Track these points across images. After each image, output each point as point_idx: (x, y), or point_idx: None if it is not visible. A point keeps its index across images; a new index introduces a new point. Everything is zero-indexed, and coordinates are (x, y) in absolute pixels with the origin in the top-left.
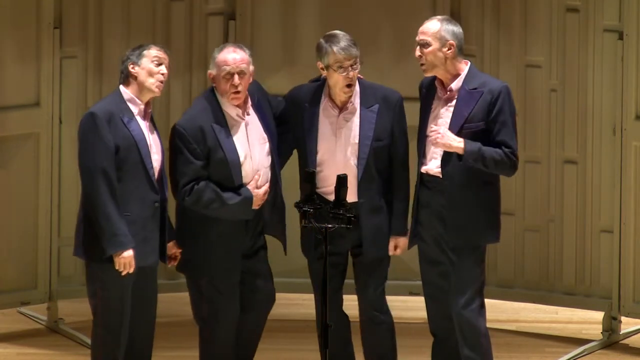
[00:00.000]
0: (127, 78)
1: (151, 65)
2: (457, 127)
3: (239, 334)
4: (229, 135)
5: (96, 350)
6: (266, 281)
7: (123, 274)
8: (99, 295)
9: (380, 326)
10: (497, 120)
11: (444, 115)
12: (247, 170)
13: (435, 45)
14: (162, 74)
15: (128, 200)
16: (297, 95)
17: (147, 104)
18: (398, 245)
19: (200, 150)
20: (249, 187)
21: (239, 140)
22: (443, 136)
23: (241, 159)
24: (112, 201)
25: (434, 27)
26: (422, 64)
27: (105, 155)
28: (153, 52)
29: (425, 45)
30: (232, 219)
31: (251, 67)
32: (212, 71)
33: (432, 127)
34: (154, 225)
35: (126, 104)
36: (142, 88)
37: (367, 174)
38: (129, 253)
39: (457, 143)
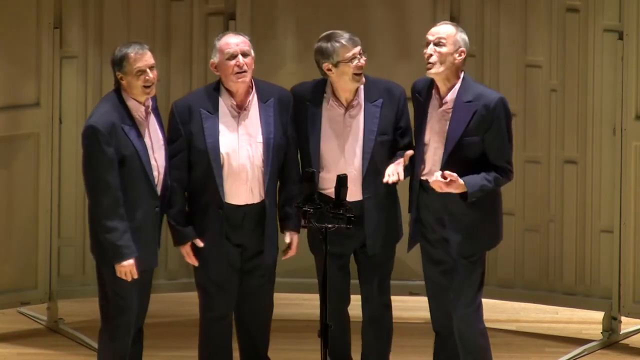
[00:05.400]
0: (120, 83)
1: (135, 76)
2: (454, 141)
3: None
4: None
5: (104, 348)
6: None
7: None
8: (108, 293)
9: (381, 322)
10: (493, 134)
11: (441, 127)
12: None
13: (450, 47)
14: (148, 79)
15: (133, 207)
16: (298, 92)
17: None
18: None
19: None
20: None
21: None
22: (447, 184)
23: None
24: (115, 213)
25: (450, 30)
26: (429, 63)
27: (108, 169)
28: (133, 65)
29: (440, 44)
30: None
31: (252, 52)
32: (214, 59)
33: (432, 179)
34: (155, 229)
35: (127, 108)
36: (134, 93)
37: (372, 168)
38: (129, 262)
39: (460, 187)
